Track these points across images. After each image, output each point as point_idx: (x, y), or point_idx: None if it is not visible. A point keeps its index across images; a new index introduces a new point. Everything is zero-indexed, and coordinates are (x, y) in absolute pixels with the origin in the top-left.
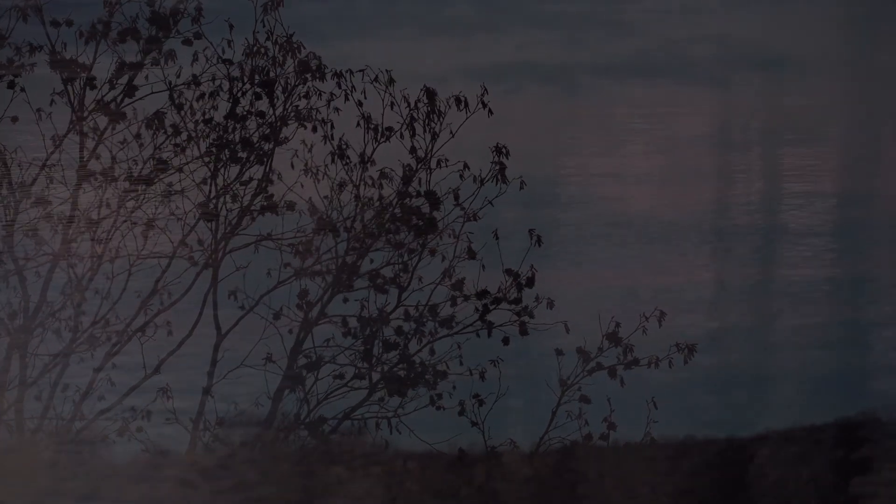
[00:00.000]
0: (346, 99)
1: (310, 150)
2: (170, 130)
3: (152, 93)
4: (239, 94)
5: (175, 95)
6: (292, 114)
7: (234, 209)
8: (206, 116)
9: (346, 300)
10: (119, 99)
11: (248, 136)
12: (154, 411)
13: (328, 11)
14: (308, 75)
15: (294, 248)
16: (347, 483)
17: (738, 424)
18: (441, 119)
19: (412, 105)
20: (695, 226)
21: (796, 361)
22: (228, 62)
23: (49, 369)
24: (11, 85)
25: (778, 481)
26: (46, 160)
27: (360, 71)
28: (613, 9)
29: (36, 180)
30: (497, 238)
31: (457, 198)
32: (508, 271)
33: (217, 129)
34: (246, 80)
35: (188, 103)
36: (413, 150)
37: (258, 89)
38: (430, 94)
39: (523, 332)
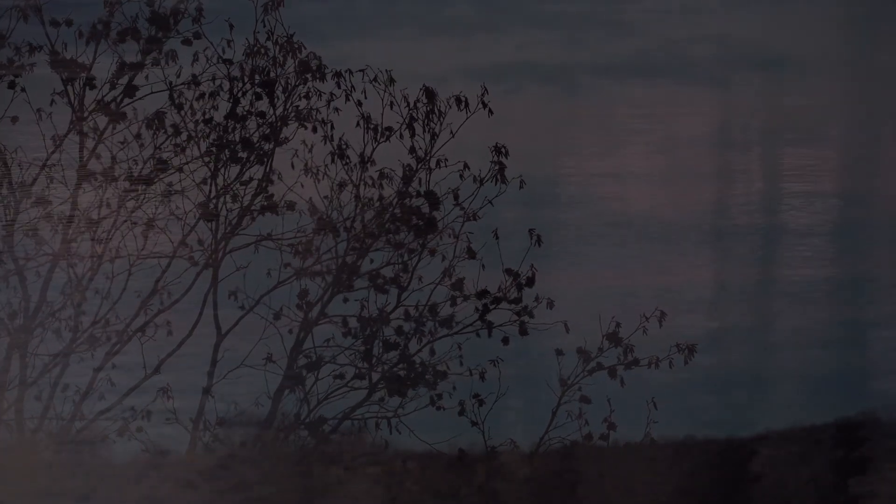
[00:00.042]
0: (347, 99)
1: (310, 151)
2: (170, 130)
3: (152, 93)
4: (239, 94)
5: (175, 95)
6: (292, 114)
7: (234, 209)
8: (206, 116)
9: (346, 300)
10: (119, 99)
11: (248, 136)
12: (154, 411)
13: (328, 11)
14: (308, 75)
15: (294, 248)
16: (347, 483)
17: (738, 424)
18: (441, 119)
19: (411, 105)
20: (695, 226)
21: (796, 361)
22: (228, 62)
23: (49, 369)
24: (12, 85)
25: (778, 481)
26: (47, 160)
27: (360, 71)
28: (613, 9)
29: (36, 180)
30: (497, 238)
31: (456, 198)
32: (508, 271)
33: (217, 129)
34: (246, 80)
35: (188, 103)
36: (412, 149)
37: (258, 89)
38: (430, 93)
39: (523, 332)
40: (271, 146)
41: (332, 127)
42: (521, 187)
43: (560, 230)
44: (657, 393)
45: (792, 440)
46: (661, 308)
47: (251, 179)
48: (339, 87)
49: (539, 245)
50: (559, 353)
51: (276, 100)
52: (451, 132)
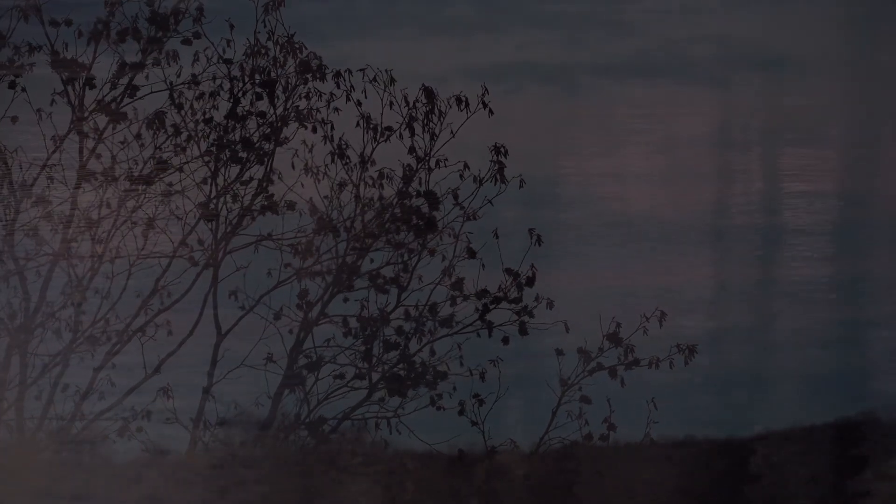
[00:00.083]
0: (348, 100)
1: (310, 151)
2: (170, 130)
3: (151, 92)
4: (239, 94)
5: (175, 95)
6: (293, 114)
7: (234, 209)
8: (207, 116)
9: (346, 300)
10: (119, 99)
11: (248, 135)
12: (154, 411)
13: (328, 11)
14: (308, 75)
15: (294, 248)
16: (347, 483)
17: (738, 424)
18: (441, 119)
19: (411, 105)
20: (695, 226)
21: (796, 361)
22: (228, 62)
23: (49, 369)
24: (12, 85)
25: (777, 481)
26: (47, 160)
27: (360, 71)
28: (613, 9)
29: (36, 180)
30: (497, 238)
31: (456, 197)
32: (508, 271)
33: (217, 129)
34: (247, 79)
35: (188, 103)
36: (412, 149)
37: (259, 89)
38: (429, 92)
39: (523, 331)
40: (271, 146)
41: (333, 127)
42: (520, 187)
43: (560, 230)
44: (657, 393)
45: (792, 440)
46: (661, 308)
47: (251, 179)
48: (339, 87)
49: (539, 245)
50: (559, 353)
51: (276, 100)
52: (452, 132)
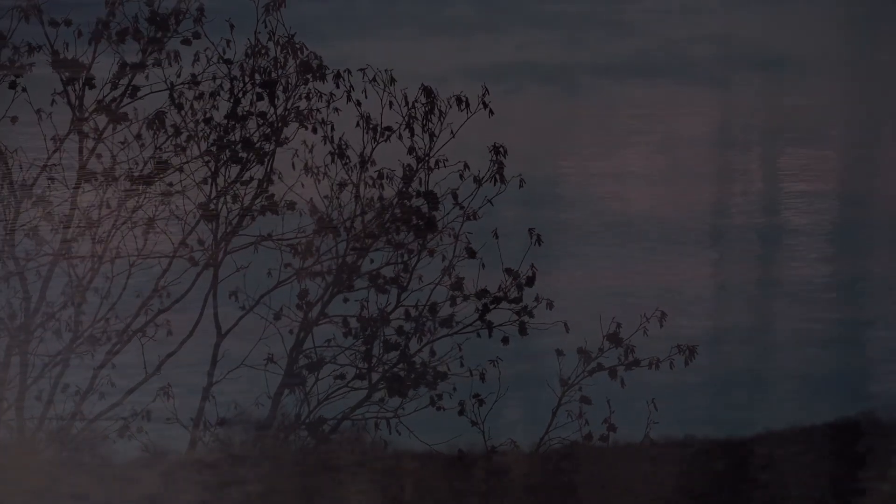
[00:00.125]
0: (348, 100)
1: (310, 151)
2: (170, 131)
3: (151, 92)
4: (240, 95)
5: (175, 95)
6: (293, 114)
7: (234, 209)
8: (207, 116)
9: (346, 300)
10: (119, 99)
11: (248, 136)
12: (154, 411)
13: (328, 11)
14: (309, 76)
15: (294, 249)
16: (347, 483)
17: (738, 424)
18: (442, 119)
19: (410, 105)
20: (695, 226)
21: (796, 361)
22: (229, 62)
23: (49, 369)
24: (13, 85)
25: (777, 481)
26: (47, 161)
27: (360, 70)
28: (613, 9)
29: (36, 181)
30: (497, 238)
31: (455, 197)
32: (508, 271)
33: (217, 130)
34: (247, 80)
35: (188, 103)
36: (411, 150)
37: (259, 90)
38: (428, 92)
39: (523, 331)
40: (272, 146)
41: (333, 128)
42: (520, 186)
43: (560, 230)
44: (657, 393)
45: (791, 440)
46: (662, 308)
47: (251, 179)
48: (339, 88)
49: (539, 245)
50: (559, 353)
51: (276, 100)
52: (452, 132)
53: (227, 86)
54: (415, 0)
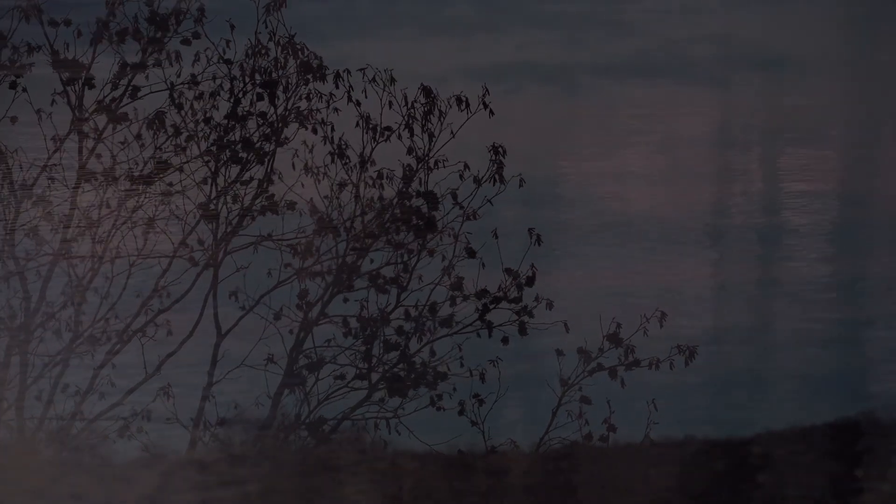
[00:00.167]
0: (349, 101)
1: (310, 151)
2: (170, 130)
3: (151, 92)
4: (240, 95)
5: (175, 95)
6: (293, 115)
7: (234, 209)
8: (207, 116)
9: (346, 300)
10: (119, 99)
11: (248, 136)
12: (154, 411)
13: (328, 11)
14: (309, 76)
15: (294, 249)
16: (347, 483)
17: (738, 424)
18: (441, 119)
19: (409, 105)
20: (695, 226)
21: (796, 361)
22: (229, 62)
23: (49, 369)
24: (13, 85)
25: (777, 481)
26: (47, 161)
27: (359, 70)
28: (613, 9)
29: (37, 181)
30: (497, 238)
31: (455, 197)
32: (508, 270)
33: (217, 130)
34: (247, 80)
35: (188, 103)
36: (410, 150)
37: (260, 90)
38: (427, 91)
39: (523, 331)
40: (272, 146)
41: (333, 128)
42: (520, 186)
43: (560, 230)
44: (657, 393)
45: (791, 440)
46: (661, 308)
47: (251, 179)
48: (338, 87)
49: (539, 244)
50: (559, 353)
51: (276, 100)
52: (452, 132)
53: (227, 86)
54: (415, 0)
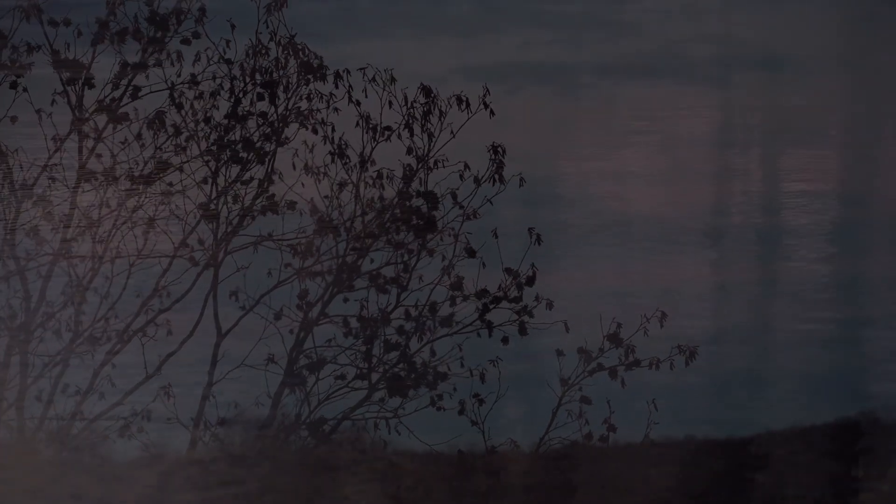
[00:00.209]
0: (350, 101)
1: (310, 151)
2: (170, 130)
3: (151, 92)
4: (240, 95)
5: (175, 95)
6: (293, 115)
7: (234, 209)
8: (207, 116)
9: (346, 300)
10: (119, 99)
11: (249, 135)
12: (154, 411)
13: (328, 11)
14: (310, 76)
15: (294, 248)
16: (347, 483)
17: (738, 424)
18: (441, 119)
19: (409, 104)
20: (695, 226)
21: (796, 361)
22: (229, 62)
23: (49, 369)
24: (13, 85)
25: (777, 481)
26: (48, 161)
27: (360, 70)
28: (613, 9)
29: (37, 181)
30: (496, 237)
31: (455, 197)
32: (508, 270)
33: (218, 129)
34: (248, 79)
35: (189, 103)
36: (410, 149)
37: (260, 90)
38: (427, 91)
39: (523, 331)
40: (272, 146)
41: (333, 128)
42: (520, 185)
43: (560, 230)
44: (657, 393)
45: (791, 440)
46: (662, 308)
47: (252, 179)
48: (338, 87)
49: (539, 244)
50: (559, 353)
51: (277, 100)
52: (452, 132)
53: (227, 86)
54: (415, 0)
